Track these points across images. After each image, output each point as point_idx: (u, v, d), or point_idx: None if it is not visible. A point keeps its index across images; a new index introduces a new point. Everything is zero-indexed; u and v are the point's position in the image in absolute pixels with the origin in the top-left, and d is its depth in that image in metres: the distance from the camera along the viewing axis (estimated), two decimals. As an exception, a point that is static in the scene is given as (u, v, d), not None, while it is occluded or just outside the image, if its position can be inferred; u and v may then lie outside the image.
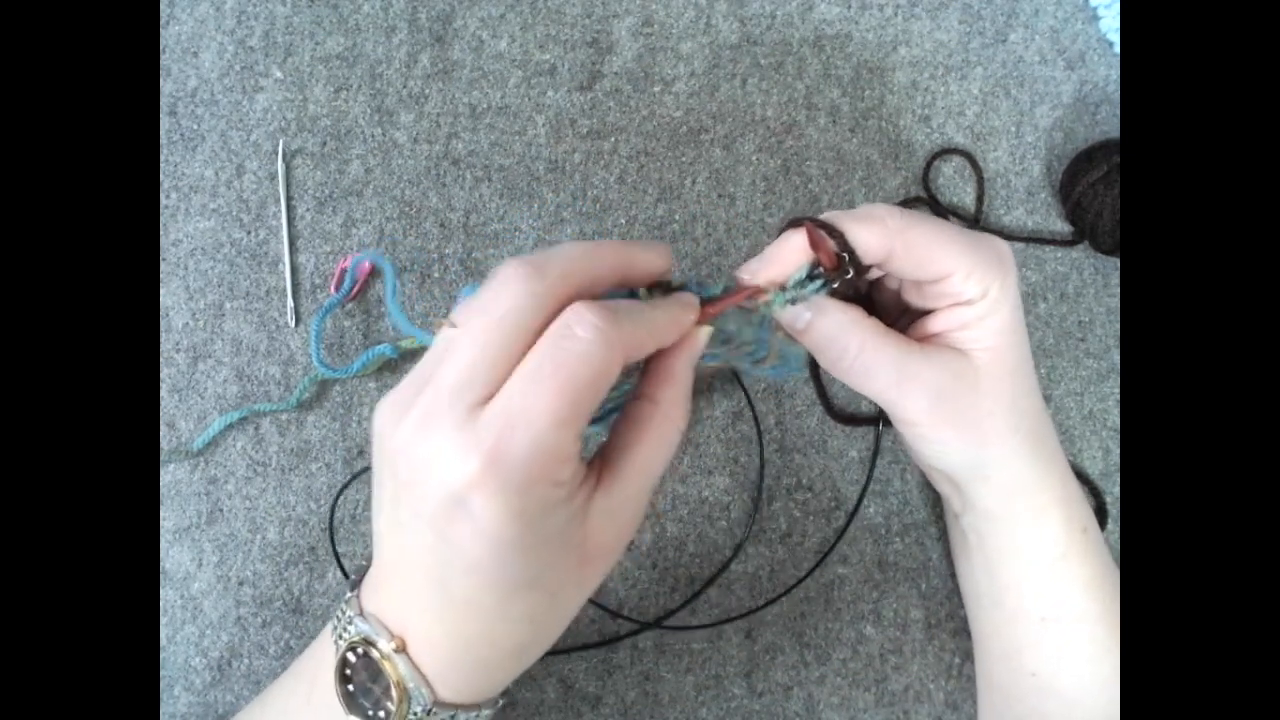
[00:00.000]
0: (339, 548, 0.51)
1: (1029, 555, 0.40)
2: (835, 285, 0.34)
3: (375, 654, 0.31)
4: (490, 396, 0.29)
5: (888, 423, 0.51)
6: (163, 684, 0.50)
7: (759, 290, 0.34)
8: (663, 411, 0.32)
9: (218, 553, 0.51)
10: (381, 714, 0.32)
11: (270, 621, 0.50)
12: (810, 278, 0.34)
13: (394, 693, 0.31)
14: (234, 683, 0.50)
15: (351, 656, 0.32)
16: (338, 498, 0.51)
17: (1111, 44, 0.56)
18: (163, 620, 0.50)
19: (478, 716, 0.33)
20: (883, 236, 0.34)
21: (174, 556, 0.51)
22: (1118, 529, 0.51)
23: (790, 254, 0.34)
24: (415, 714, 0.31)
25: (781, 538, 0.51)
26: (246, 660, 0.50)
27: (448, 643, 0.31)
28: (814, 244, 0.33)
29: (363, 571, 0.35)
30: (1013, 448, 0.38)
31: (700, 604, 0.51)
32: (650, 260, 0.33)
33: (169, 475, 0.51)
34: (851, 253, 0.34)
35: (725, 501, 0.52)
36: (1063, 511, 0.40)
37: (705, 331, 0.34)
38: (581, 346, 0.29)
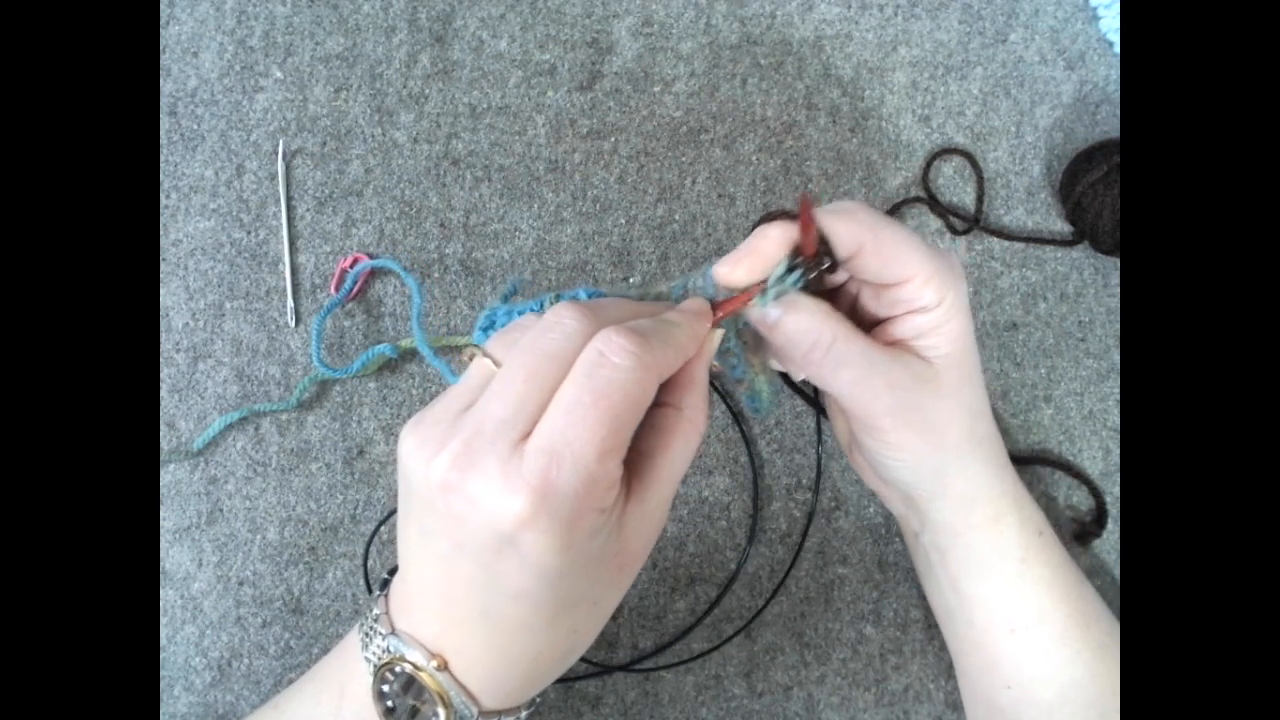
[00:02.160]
0: (338, 547, 0.51)
1: (991, 564, 0.40)
2: (812, 276, 0.34)
3: (415, 671, 0.32)
4: (530, 431, 0.29)
5: (824, 413, 0.51)
6: (163, 684, 0.50)
7: (758, 288, 0.34)
8: (686, 417, 0.33)
9: (218, 553, 0.51)
10: None
11: (270, 621, 0.50)
12: (789, 270, 0.34)
13: (440, 709, 0.31)
14: (234, 683, 0.50)
15: (390, 674, 0.32)
16: (371, 540, 0.51)
17: (1111, 44, 0.56)
18: (163, 620, 0.50)
19: (517, 717, 0.34)
20: (856, 229, 0.34)
21: (174, 556, 0.51)
22: (1118, 529, 0.51)
23: (770, 246, 0.34)
24: None
25: (781, 538, 0.51)
26: (246, 660, 0.50)
27: (492, 660, 0.32)
28: (805, 223, 0.33)
29: (385, 583, 0.35)
30: (970, 453, 0.38)
31: (700, 605, 0.51)
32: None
33: (169, 475, 0.51)
34: (827, 242, 0.34)
35: (725, 501, 0.52)
36: (1017, 516, 0.40)
37: (717, 334, 0.34)
38: (619, 375, 0.29)
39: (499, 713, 0.33)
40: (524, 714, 0.34)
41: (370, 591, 0.50)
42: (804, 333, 0.35)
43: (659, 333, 0.31)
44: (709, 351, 0.34)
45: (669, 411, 0.33)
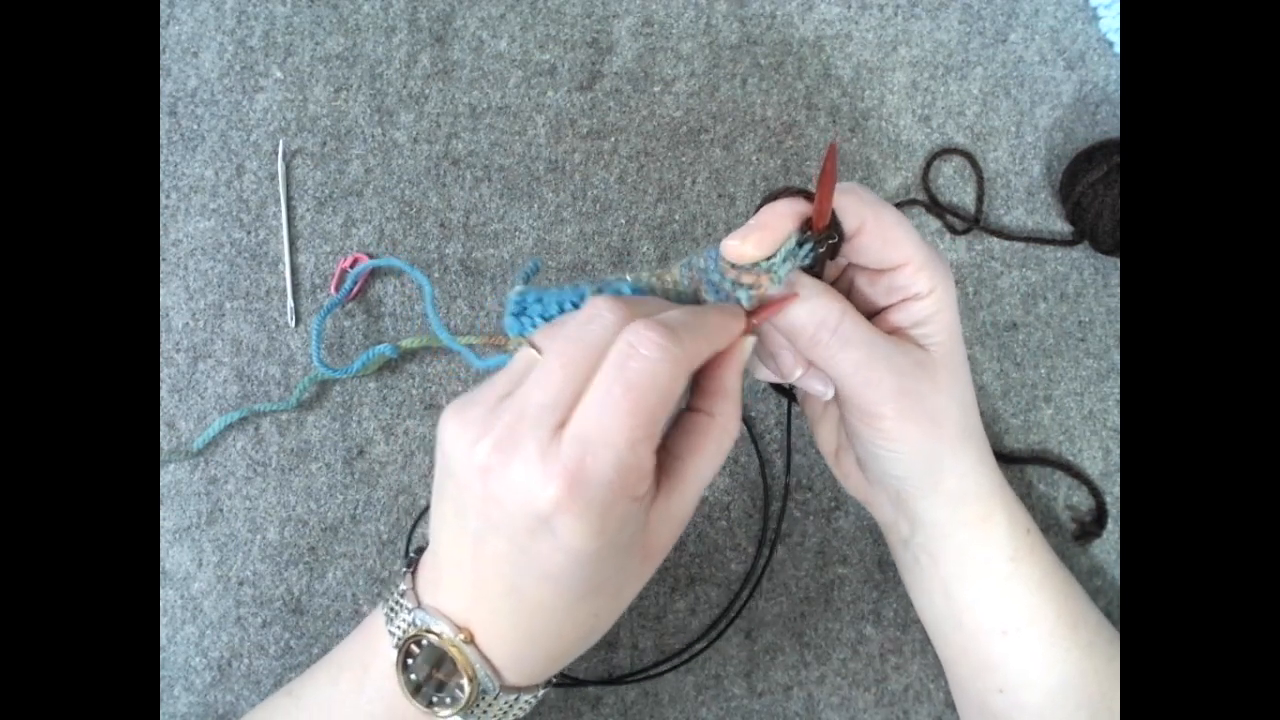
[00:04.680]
0: (338, 547, 0.51)
1: (982, 564, 0.40)
2: (821, 251, 0.34)
3: (442, 644, 0.33)
4: (569, 418, 0.30)
5: (795, 399, 0.51)
6: (163, 684, 0.50)
7: (794, 297, 0.34)
8: (719, 424, 0.34)
9: (218, 553, 0.51)
10: (449, 700, 0.33)
11: (270, 621, 0.50)
12: (799, 243, 0.34)
13: (465, 681, 0.33)
14: (234, 683, 0.50)
15: (415, 648, 0.33)
16: (416, 521, 0.51)
17: (1111, 44, 0.56)
18: (163, 620, 0.50)
19: (536, 695, 0.35)
20: (859, 205, 0.34)
21: (174, 556, 0.51)
22: (1118, 529, 0.51)
23: (779, 220, 0.34)
24: (484, 698, 0.33)
25: (781, 537, 0.51)
26: (246, 660, 0.50)
27: (516, 637, 0.33)
28: (828, 172, 0.32)
29: (411, 561, 0.36)
30: (962, 446, 0.38)
31: (700, 605, 0.51)
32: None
33: (169, 475, 0.51)
34: (834, 215, 0.34)
35: (725, 501, 0.52)
36: (1006, 515, 0.40)
37: (750, 341, 0.35)
38: (649, 365, 0.29)
39: (519, 689, 0.34)
40: (541, 692, 0.35)
41: (405, 567, 0.51)
42: (812, 312, 0.35)
43: (688, 325, 0.31)
44: (741, 359, 0.34)
45: (702, 417, 0.34)
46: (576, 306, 0.35)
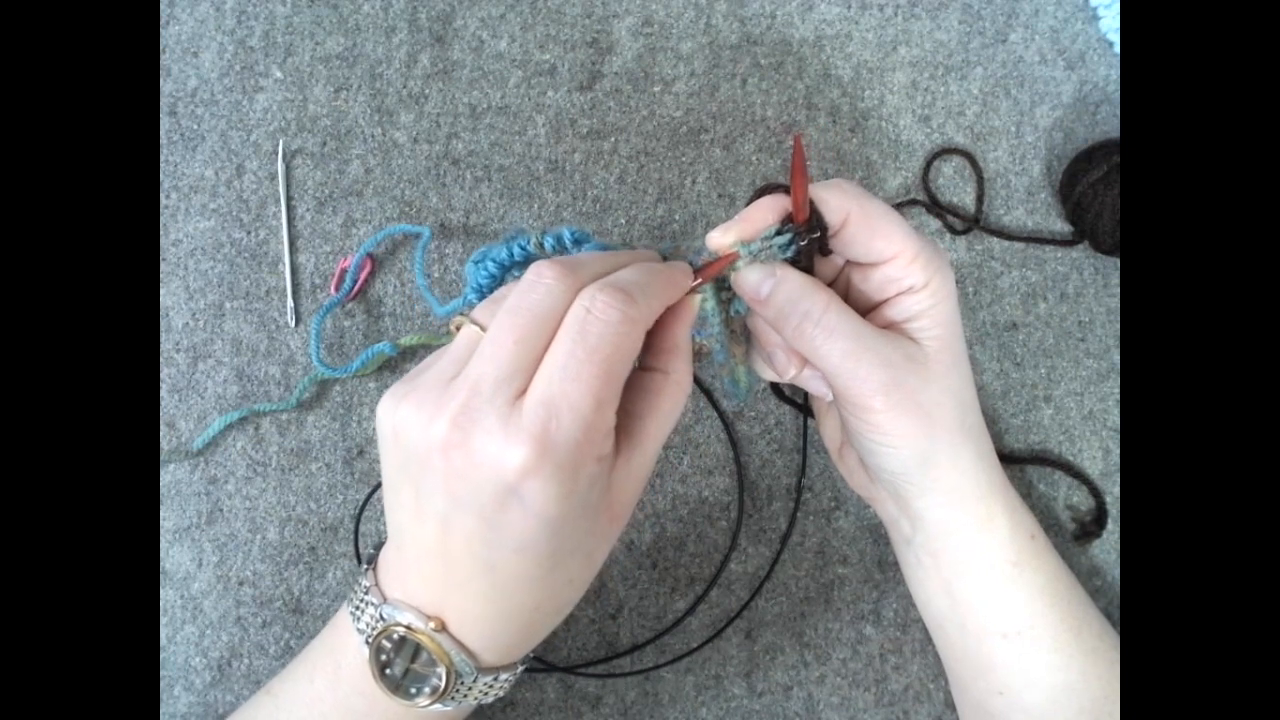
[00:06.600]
0: (338, 547, 0.51)
1: (984, 565, 0.40)
2: (803, 243, 0.35)
3: (413, 636, 0.33)
4: (525, 388, 0.30)
5: (812, 414, 0.51)
6: (163, 684, 0.50)
7: (734, 255, 0.35)
8: (674, 380, 0.35)
9: (218, 553, 0.51)
10: (427, 689, 0.33)
11: (270, 621, 0.50)
12: (779, 234, 0.35)
13: (440, 669, 0.33)
14: (234, 683, 0.50)
15: (387, 642, 0.33)
16: (362, 507, 0.51)
17: (1111, 44, 0.56)
18: (163, 620, 0.50)
19: (515, 673, 0.35)
20: (842, 198, 0.35)
21: (174, 556, 0.51)
22: (1118, 529, 0.51)
23: (760, 213, 0.35)
24: (463, 683, 0.33)
25: (781, 537, 0.51)
26: (246, 660, 0.50)
27: (491, 617, 0.33)
28: (798, 165, 0.34)
29: (372, 558, 0.36)
30: (960, 443, 0.38)
31: (700, 605, 0.51)
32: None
33: (169, 475, 0.51)
34: (817, 211, 0.35)
35: (725, 501, 0.52)
36: (1009, 519, 0.40)
37: (696, 299, 0.36)
38: (609, 330, 0.30)
39: (497, 669, 0.34)
40: (519, 669, 0.36)
41: (360, 564, 0.50)
42: (794, 302, 0.35)
43: (640, 284, 0.32)
44: (689, 317, 0.36)
45: (656, 376, 0.35)
46: (524, 249, 0.37)
